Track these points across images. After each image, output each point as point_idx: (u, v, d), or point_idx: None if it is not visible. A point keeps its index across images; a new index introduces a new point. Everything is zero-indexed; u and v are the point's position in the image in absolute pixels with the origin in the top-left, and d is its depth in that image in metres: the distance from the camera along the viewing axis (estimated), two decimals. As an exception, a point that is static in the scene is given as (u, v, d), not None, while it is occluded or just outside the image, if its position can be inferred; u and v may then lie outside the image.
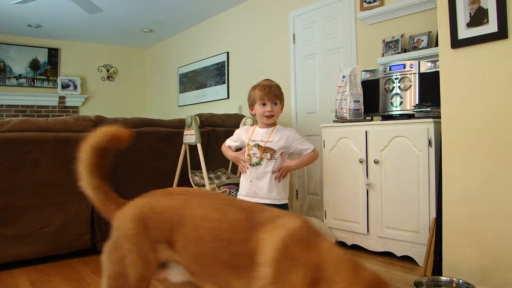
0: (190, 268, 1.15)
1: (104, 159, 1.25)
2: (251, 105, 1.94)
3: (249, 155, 1.91)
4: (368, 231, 2.82)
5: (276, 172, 1.89)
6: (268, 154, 1.91)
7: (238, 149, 2.09)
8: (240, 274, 1.05)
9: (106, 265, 1.16)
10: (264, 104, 1.88)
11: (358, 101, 2.96)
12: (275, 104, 1.90)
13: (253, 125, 3.12)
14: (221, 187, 3.15)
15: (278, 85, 1.94)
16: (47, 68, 6.69)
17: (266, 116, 1.89)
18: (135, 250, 1.12)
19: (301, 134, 4.21)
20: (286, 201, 1.95)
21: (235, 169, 3.57)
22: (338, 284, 0.97)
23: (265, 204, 1.87)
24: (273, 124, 1.95)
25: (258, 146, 1.94)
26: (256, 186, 1.88)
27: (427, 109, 2.55)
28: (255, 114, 1.96)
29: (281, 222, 1.07)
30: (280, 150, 1.96)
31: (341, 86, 3.01)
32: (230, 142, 2.05)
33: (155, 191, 1.26)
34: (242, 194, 1.93)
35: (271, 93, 1.87)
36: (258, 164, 1.89)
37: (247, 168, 1.94)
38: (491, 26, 2.02)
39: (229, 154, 2.06)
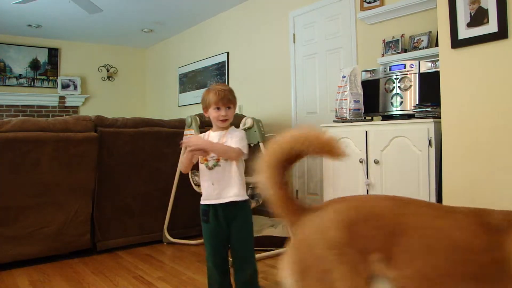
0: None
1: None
2: (205, 108, 1.99)
3: (206, 160, 1.94)
4: (368, 231, 2.82)
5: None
6: None
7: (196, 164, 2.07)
8: None
9: (301, 284, 0.99)
10: (218, 108, 1.92)
11: (358, 101, 2.96)
12: (229, 108, 1.95)
13: (253, 125, 3.14)
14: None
15: (231, 89, 2.01)
16: (47, 68, 6.69)
17: (220, 120, 1.93)
18: (344, 261, 0.96)
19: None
20: (246, 197, 1.98)
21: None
22: None
23: (229, 202, 1.88)
24: (227, 127, 1.99)
25: None
26: (218, 187, 1.92)
27: (427, 109, 2.55)
28: (208, 117, 1.99)
29: None
30: None
31: (341, 86, 3.01)
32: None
33: (349, 196, 1.10)
34: (205, 198, 1.95)
35: (225, 98, 1.93)
36: (216, 166, 1.92)
37: (207, 157, 1.93)
38: (491, 26, 2.02)
39: (182, 160, 2.01)
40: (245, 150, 1.93)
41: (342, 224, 0.98)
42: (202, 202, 1.97)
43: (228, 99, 1.94)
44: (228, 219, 1.92)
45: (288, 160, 1.09)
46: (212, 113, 1.95)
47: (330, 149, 1.06)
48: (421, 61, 2.75)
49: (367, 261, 0.96)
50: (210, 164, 1.94)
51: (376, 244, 0.96)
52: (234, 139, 1.93)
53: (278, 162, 1.08)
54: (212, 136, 2.00)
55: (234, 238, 1.93)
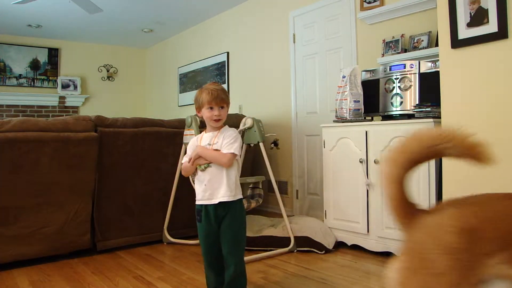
0: None
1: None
2: (198, 108, 1.99)
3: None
4: (368, 231, 2.82)
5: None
6: None
7: None
8: None
9: (406, 282, 1.00)
10: (211, 108, 1.92)
11: (358, 101, 2.96)
12: (222, 107, 1.95)
13: (253, 125, 3.14)
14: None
15: (224, 89, 2.01)
16: (47, 68, 6.69)
17: (214, 120, 1.93)
18: (457, 267, 0.95)
19: (300, 135, 4.23)
20: (241, 196, 1.98)
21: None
22: None
23: (221, 202, 1.89)
24: (220, 127, 1.99)
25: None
26: (211, 188, 1.93)
27: (427, 109, 2.55)
28: (202, 117, 1.99)
29: None
30: None
31: (341, 86, 3.02)
32: (186, 158, 2.04)
33: (466, 198, 1.08)
34: (199, 198, 1.96)
35: (218, 97, 1.93)
36: (208, 167, 1.93)
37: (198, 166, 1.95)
38: (491, 26, 2.02)
39: (184, 167, 2.03)
40: (237, 151, 1.93)
41: (458, 230, 0.97)
42: (196, 202, 1.99)
43: (221, 98, 1.94)
44: (218, 219, 1.93)
45: (421, 159, 1.04)
46: (205, 113, 1.95)
47: (475, 154, 1.02)
48: (421, 61, 2.75)
49: (484, 265, 0.95)
50: (203, 166, 1.95)
51: (499, 245, 0.94)
52: (226, 140, 1.93)
53: (409, 161, 1.04)
54: (205, 137, 2.00)
55: (220, 238, 1.95)
